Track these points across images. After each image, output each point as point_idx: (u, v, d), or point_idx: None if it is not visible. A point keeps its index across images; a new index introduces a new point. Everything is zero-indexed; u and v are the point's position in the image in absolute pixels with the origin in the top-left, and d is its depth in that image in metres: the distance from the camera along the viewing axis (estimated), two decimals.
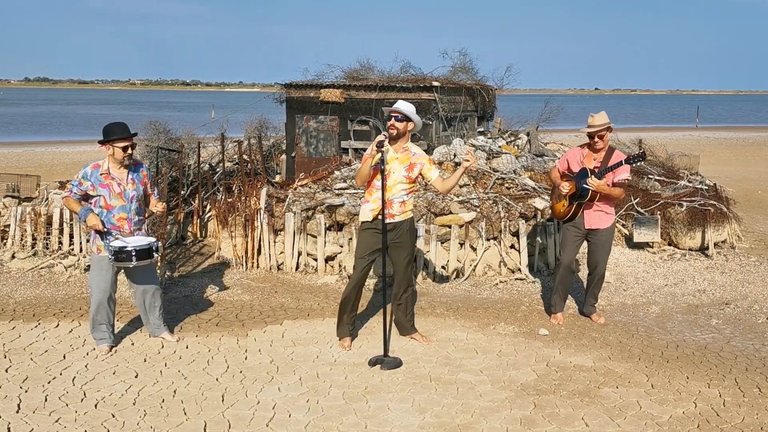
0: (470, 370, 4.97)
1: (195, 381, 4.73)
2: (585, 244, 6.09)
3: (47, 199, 8.41)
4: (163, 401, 4.42)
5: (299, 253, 7.61)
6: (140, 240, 5.12)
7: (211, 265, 7.69)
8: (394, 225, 5.22)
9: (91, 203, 5.15)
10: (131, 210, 5.20)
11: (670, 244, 8.43)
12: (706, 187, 9.11)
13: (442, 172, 8.35)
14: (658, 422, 4.22)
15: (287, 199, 7.89)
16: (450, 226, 7.42)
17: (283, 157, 9.91)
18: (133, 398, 4.45)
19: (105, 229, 5.07)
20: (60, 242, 7.81)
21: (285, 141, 9.95)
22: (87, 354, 5.17)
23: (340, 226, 7.60)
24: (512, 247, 7.56)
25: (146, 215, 5.43)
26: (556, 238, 7.54)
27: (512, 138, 10.31)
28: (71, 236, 7.80)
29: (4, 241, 7.97)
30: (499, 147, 9.36)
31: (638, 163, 6.36)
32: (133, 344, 5.42)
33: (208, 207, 8.45)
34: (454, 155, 8.75)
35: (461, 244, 7.44)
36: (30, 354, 5.16)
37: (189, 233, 8.41)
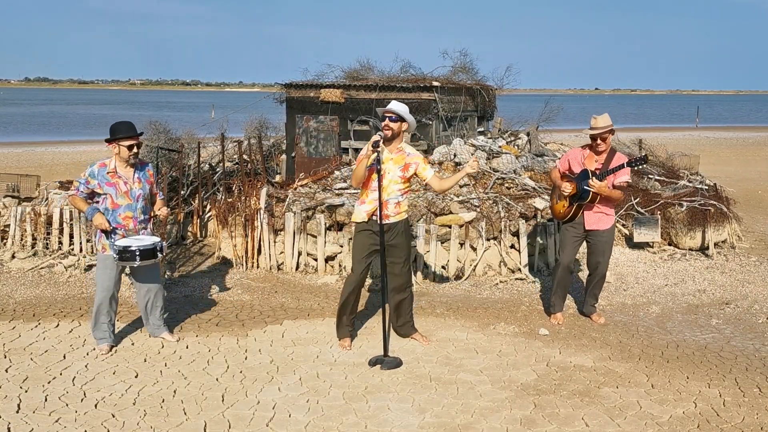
0: (470, 370, 4.97)
1: (195, 381, 4.73)
2: (585, 244, 6.09)
3: (47, 199, 8.41)
4: (163, 401, 4.42)
5: (299, 253, 7.61)
6: (145, 239, 5.14)
7: (211, 265, 7.69)
8: (389, 226, 5.21)
9: (97, 202, 5.16)
10: (137, 209, 5.22)
11: (670, 244, 8.42)
12: (706, 187, 9.11)
13: (442, 171, 8.35)
14: (658, 422, 4.22)
15: (287, 199, 7.88)
16: (450, 226, 7.42)
17: (283, 157, 9.91)
18: (133, 398, 4.45)
19: (111, 228, 5.08)
20: (60, 242, 7.81)
21: (285, 141, 9.95)
22: (87, 354, 5.17)
23: (340, 226, 7.60)
24: (512, 247, 7.56)
25: (152, 215, 5.44)
26: (556, 238, 7.54)
27: (512, 138, 10.30)
28: (71, 236, 7.80)
29: (4, 241, 7.97)
30: (499, 147, 9.36)
31: (640, 167, 6.35)
32: (133, 344, 5.42)
33: (208, 207, 8.45)
34: (454, 155, 8.75)
35: (461, 244, 7.44)
36: (30, 354, 5.16)
37: (189, 233, 8.41)
